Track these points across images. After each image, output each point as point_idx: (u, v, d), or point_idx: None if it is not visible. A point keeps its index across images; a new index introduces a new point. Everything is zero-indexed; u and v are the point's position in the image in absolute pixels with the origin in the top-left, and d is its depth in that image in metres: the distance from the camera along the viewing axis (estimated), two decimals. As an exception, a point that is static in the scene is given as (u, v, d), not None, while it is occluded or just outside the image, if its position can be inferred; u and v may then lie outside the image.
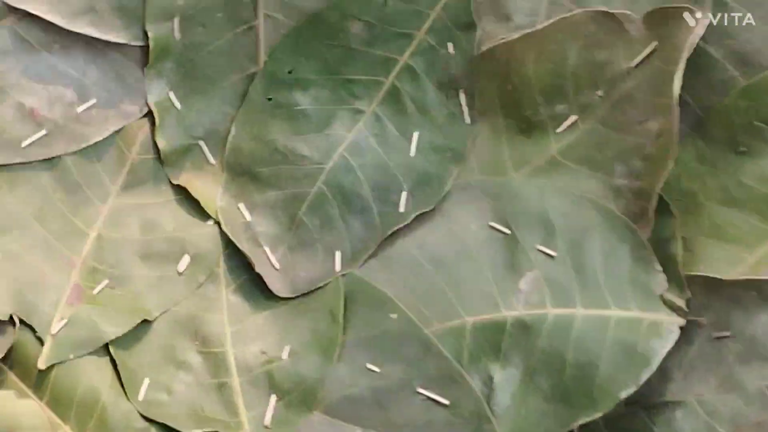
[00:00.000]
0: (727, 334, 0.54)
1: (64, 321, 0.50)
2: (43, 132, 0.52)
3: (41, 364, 0.50)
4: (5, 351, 0.50)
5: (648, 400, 0.53)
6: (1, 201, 0.52)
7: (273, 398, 0.51)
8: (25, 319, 0.51)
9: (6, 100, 0.51)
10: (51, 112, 0.52)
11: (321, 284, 0.53)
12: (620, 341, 0.52)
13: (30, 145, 0.52)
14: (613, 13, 0.54)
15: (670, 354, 0.52)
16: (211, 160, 0.54)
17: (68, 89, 0.53)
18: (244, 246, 0.53)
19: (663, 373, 0.52)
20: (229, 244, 0.54)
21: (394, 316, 0.52)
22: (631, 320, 0.53)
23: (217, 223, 0.54)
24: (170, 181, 0.54)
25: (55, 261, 0.52)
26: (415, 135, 0.54)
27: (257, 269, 0.52)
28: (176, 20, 0.54)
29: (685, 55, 0.52)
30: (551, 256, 0.54)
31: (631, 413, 0.53)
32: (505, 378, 0.51)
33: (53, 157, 0.53)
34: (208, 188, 0.54)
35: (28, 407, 0.49)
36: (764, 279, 0.53)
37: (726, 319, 0.54)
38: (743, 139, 0.56)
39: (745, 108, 0.56)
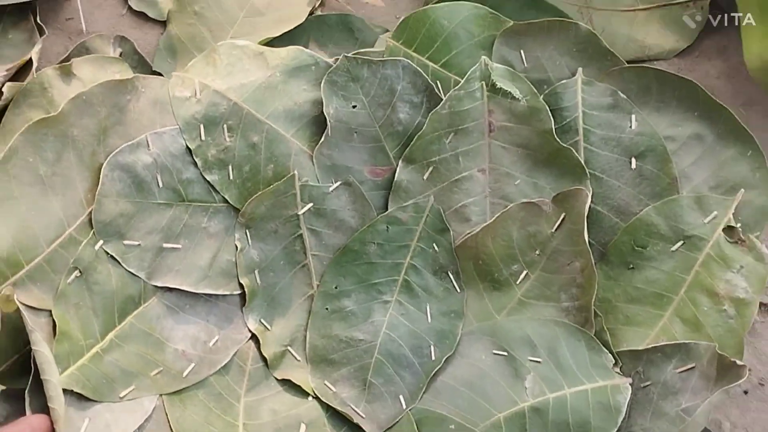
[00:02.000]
0: (649, 383, 0.70)
1: None
2: (193, 365, 0.73)
3: None
4: None
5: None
6: (182, 416, 0.71)
7: None
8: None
9: (167, 349, 0.73)
10: (195, 350, 0.73)
11: (397, 419, 0.72)
12: (598, 403, 0.69)
13: (187, 374, 0.73)
14: (533, 202, 0.73)
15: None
16: (298, 357, 0.75)
17: (201, 332, 0.74)
18: (338, 407, 0.73)
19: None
20: (328, 410, 0.73)
21: (452, 426, 0.71)
22: (600, 388, 0.70)
23: (315, 398, 0.74)
24: (276, 378, 0.75)
25: None
26: (428, 308, 0.74)
27: (355, 421, 0.72)
28: (256, 272, 0.75)
29: (585, 215, 0.71)
30: (539, 362, 0.71)
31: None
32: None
33: (202, 380, 0.73)
34: (302, 376, 0.74)
35: None
36: (664, 344, 0.71)
37: (647, 373, 0.71)
38: (630, 260, 0.74)
39: (627, 241, 0.74)
